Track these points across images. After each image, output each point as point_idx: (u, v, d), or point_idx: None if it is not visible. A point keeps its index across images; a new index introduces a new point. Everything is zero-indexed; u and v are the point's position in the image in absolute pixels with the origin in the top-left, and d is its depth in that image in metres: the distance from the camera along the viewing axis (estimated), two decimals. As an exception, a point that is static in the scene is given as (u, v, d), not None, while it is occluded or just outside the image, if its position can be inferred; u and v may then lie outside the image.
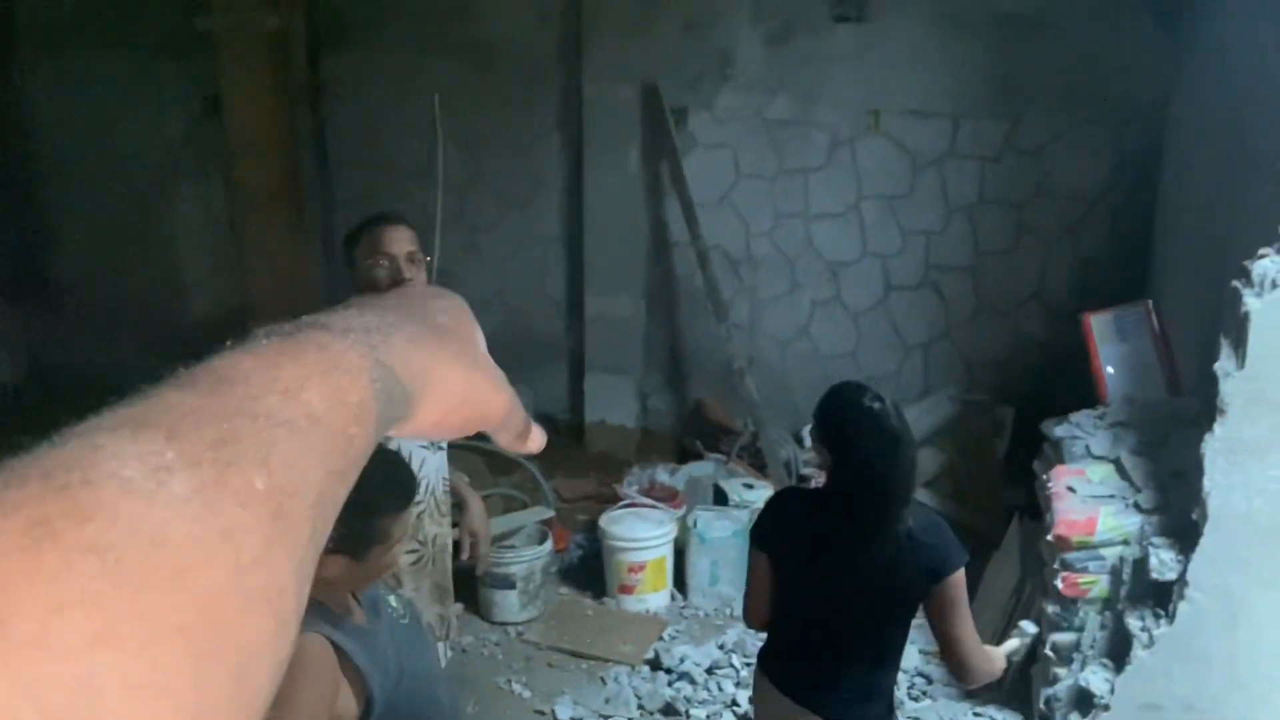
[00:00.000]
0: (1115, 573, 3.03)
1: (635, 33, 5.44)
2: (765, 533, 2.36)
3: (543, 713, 3.68)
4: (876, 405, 2.15)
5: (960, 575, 2.17)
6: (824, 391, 2.30)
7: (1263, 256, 2.52)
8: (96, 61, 6.45)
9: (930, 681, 3.77)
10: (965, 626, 2.18)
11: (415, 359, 0.45)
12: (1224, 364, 2.58)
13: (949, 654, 2.20)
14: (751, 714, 2.54)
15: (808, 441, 5.46)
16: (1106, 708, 2.87)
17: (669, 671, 3.86)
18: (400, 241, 2.43)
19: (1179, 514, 2.88)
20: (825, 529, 2.21)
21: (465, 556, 2.80)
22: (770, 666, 2.38)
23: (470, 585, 4.26)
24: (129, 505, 0.29)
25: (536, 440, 0.58)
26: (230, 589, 0.30)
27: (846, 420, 2.16)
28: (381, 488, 1.70)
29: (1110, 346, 3.94)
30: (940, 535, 2.20)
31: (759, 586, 2.35)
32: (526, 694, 3.79)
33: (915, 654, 3.79)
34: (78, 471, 0.29)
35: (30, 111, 6.80)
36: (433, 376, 0.46)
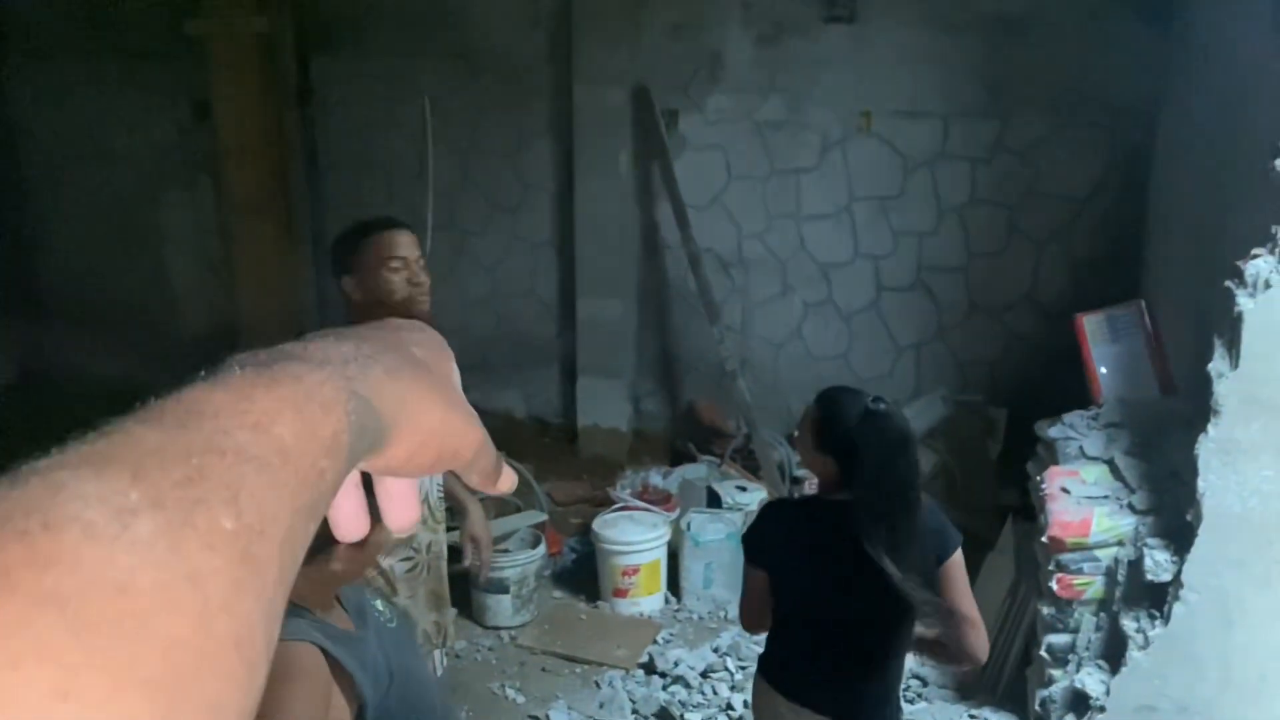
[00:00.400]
0: (1110, 574, 3.03)
1: (625, 35, 5.43)
2: (760, 547, 2.32)
3: (536, 718, 3.67)
4: (882, 407, 2.13)
5: (960, 553, 2.18)
6: (816, 398, 2.26)
7: (1256, 257, 2.52)
8: (84, 67, 6.43)
9: (925, 684, 3.77)
10: (970, 600, 2.19)
11: (392, 391, 0.44)
12: (1217, 364, 2.58)
13: (957, 627, 2.17)
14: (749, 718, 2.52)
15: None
16: (1102, 709, 2.86)
17: (663, 675, 3.85)
18: (410, 245, 2.41)
19: (1173, 515, 2.88)
20: (831, 539, 2.16)
21: (468, 562, 2.79)
22: (775, 674, 2.33)
23: (464, 590, 4.24)
24: (91, 551, 0.28)
25: (506, 482, 0.56)
26: (197, 635, 0.29)
27: (855, 426, 2.11)
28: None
29: (1103, 347, 3.94)
30: (938, 519, 2.19)
31: (756, 599, 2.32)
32: (520, 699, 3.77)
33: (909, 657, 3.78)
34: (38, 515, 0.28)
35: (18, 117, 6.77)
36: (409, 410, 0.45)
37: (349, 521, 0.49)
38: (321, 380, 0.40)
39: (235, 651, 0.30)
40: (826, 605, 2.22)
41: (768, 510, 2.44)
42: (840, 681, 2.24)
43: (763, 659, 2.41)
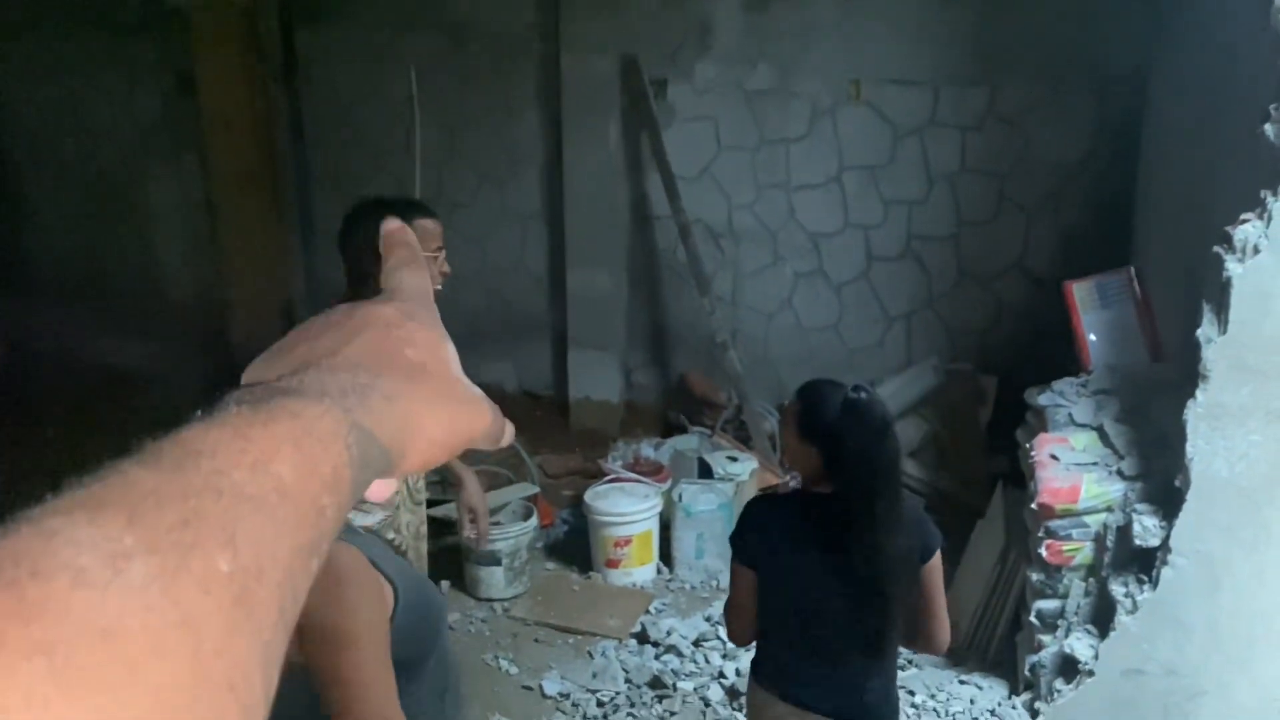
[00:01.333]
0: (1099, 540, 3.05)
1: (612, 3, 5.38)
2: (747, 545, 2.28)
3: (530, 688, 3.69)
4: (863, 396, 2.13)
5: (939, 555, 2.20)
6: (797, 391, 2.25)
7: (1244, 222, 2.52)
8: (66, 41, 6.35)
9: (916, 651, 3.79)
10: (943, 600, 2.22)
11: (394, 414, 0.45)
12: (1206, 330, 2.58)
13: (929, 624, 2.21)
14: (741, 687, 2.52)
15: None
16: (1090, 673, 2.89)
17: (656, 645, 3.87)
18: (440, 235, 2.40)
19: (1162, 480, 2.89)
20: (820, 532, 2.15)
21: (466, 532, 2.82)
22: (770, 678, 2.30)
23: (456, 562, 4.26)
24: (81, 598, 0.28)
25: (508, 434, 0.57)
26: (189, 681, 0.29)
27: (837, 417, 2.11)
28: None
29: (1092, 314, 3.94)
30: (919, 516, 2.22)
31: (745, 601, 2.28)
32: (514, 670, 3.79)
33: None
34: (27, 564, 0.28)
35: (1, 93, 6.69)
36: (413, 428, 0.46)
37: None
38: (319, 414, 0.40)
39: (230, 695, 0.30)
40: (818, 601, 2.20)
41: (752, 507, 2.40)
42: (842, 679, 2.23)
43: (756, 664, 2.37)
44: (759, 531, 2.28)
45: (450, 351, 0.53)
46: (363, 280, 2.35)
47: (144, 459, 0.35)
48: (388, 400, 0.44)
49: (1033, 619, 3.22)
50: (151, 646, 0.28)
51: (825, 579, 2.17)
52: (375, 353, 0.48)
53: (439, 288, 2.38)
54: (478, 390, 0.52)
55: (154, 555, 0.30)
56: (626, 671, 3.73)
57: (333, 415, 0.40)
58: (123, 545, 0.30)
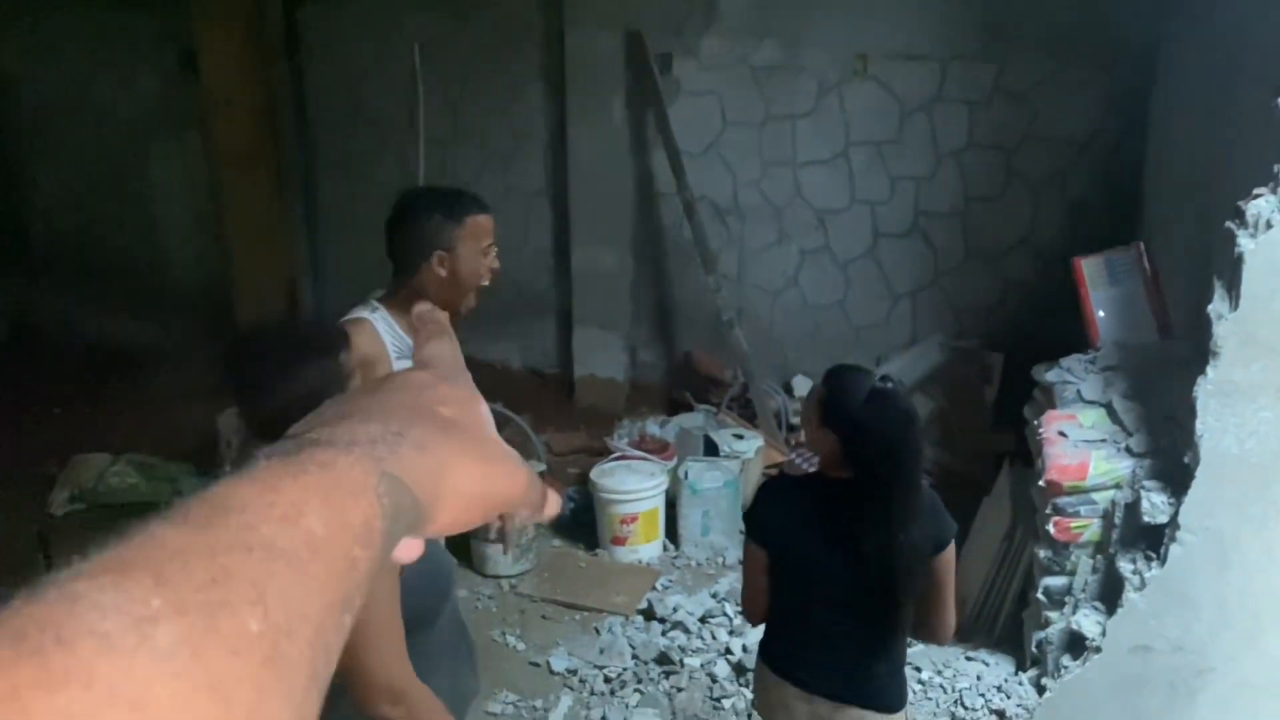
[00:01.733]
0: (1107, 516, 3.04)
1: (617, -22, 5.33)
2: (762, 526, 2.28)
3: (537, 664, 3.70)
4: (889, 386, 2.13)
5: (952, 546, 2.20)
6: (823, 376, 2.24)
7: (1257, 196, 2.49)
8: (69, 17, 6.31)
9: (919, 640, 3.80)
10: (951, 592, 2.22)
11: (425, 465, 0.44)
12: (1217, 305, 2.56)
13: (934, 616, 2.22)
14: (755, 704, 2.51)
15: (799, 391, 5.46)
16: (1097, 650, 2.89)
17: (662, 621, 3.88)
18: (492, 230, 2.37)
19: (1171, 457, 2.88)
20: (834, 516, 2.16)
21: (493, 535, 2.78)
22: (776, 658, 2.32)
23: (463, 539, 4.26)
24: (107, 665, 0.27)
25: (553, 505, 0.56)
26: None
27: (861, 405, 2.10)
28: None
29: (1101, 290, 3.92)
30: (936, 506, 2.20)
31: (756, 579, 2.29)
32: (521, 646, 3.80)
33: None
34: (51, 630, 0.27)
35: (3, 71, 6.66)
36: (446, 479, 0.45)
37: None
38: (350, 465, 0.39)
39: None
40: (826, 585, 2.20)
41: (767, 486, 2.42)
42: (846, 664, 2.23)
43: (765, 647, 2.38)
44: (772, 511, 2.28)
45: (485, 413, 0.53)
46: (409, 270, 2.31)
47: (171, 517, 0.34)
48: (419, 450, 0.44)
49: (1040, 596, 3.22)
50: (179, 714, 0.28)
51: (835, 563, 2.17)
52: (409, 407, 0.48)
53: (486, 284, 2.37)
54: (515, 454, 0.52)
55: (181, 617, 0.30)
56: (633, 647, 3.75)
57: (363, 465, 0.40)
58: (149, 609, 0.29)
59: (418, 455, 0.43)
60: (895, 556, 2.09)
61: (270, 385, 1.65)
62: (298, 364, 1.66)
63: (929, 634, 2.28)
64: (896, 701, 2.29)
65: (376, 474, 0.40)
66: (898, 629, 2.22)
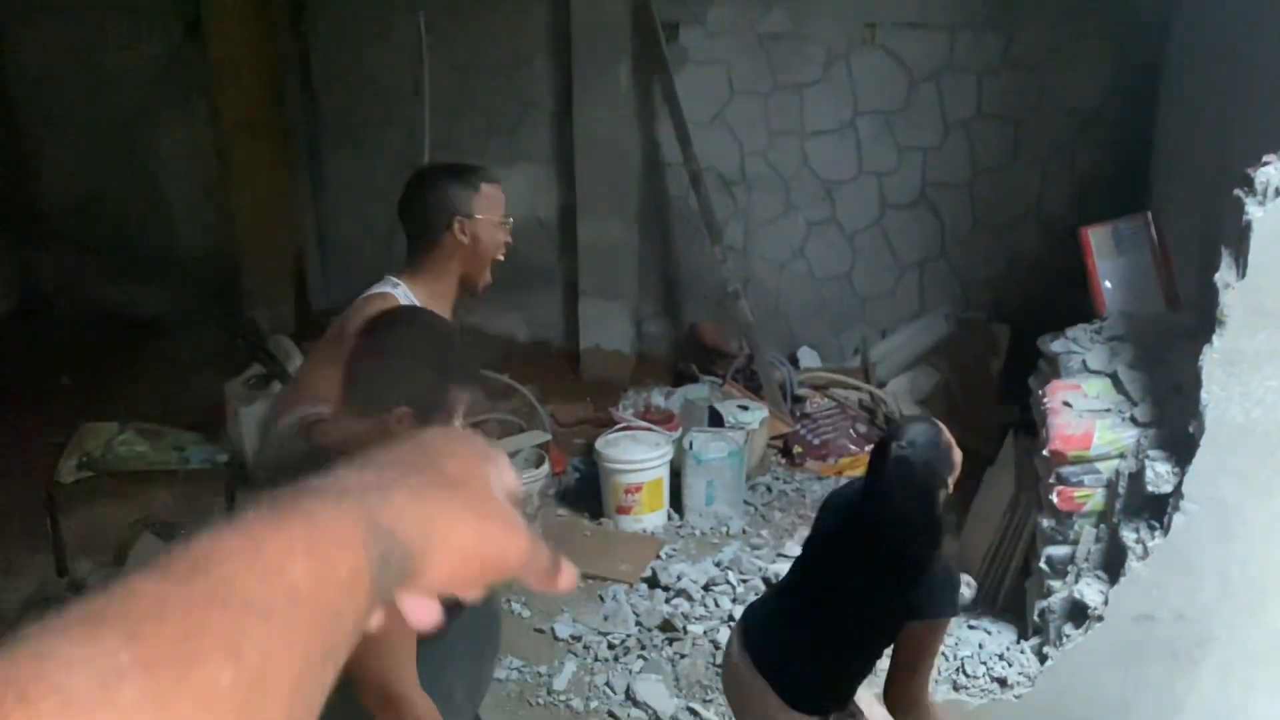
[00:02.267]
0: (1110, 486, 3.04)
1: (624, -55, 5.28)
2: (821, 508, 2.48)
3: (542, 630, 3.73)
4: (907, 454, 2.15)
5: (942, 625, 2.21)
6: (891, 430, 2.36)
7: (1266, 164, 2.47)
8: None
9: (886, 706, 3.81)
10: (926, 670, 2.23)
11: (417, 515, 0.43)
12: (1224, 274, 2.55)
13: (894, 684, 2.23)
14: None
15: (805, 363, 5.46)
16: (1100, 618, 2.90)
17: (666, 589, 3.90)
18: (503, 202, 2.37)
19: (1175, 427, 2.88)
20: (851, 523, 2.28)
21: None
22: (749, 623, 2.44)
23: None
24: None
25: (567, 578, 0.55)
26: None
27: (884, 463, 2.18)
28: (460, 362, 1.70)
29: (1108, 260, 3.90)
30: (937, 584, 2.19)
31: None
32: (526, 613, 3.83)
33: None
34: (15, 688, 0.27)
35: (7, 38, 6.63)
36: (439, 531, 0.44)
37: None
38: (337, 515, 0.39)
39: None
40: (822, 582, 2.32)
41: (841, 487, 2.63)
42: (788, 641, 2.32)
43: (749, 607, 2.55)
44: (828, 502, 2.48)
45: (492, 474, 0.52)
46: (430, 240, 2.30)
47: (153, 570, 0.34)
48: (413, 497, 0.44)
49: (1043, 565, 3.22)
50: None
51: (828, 564, 2.32)
52: (411, 458, 0.48)
53: (500, 258, 2.36)
54: (519, 519, 0.51)
55: (149, 672, 0.29)
56: (637, 615, 3.77)
57: (351, 515, 0.40)
58: (116, 663, 0.29)
59: (410, 502, 0.43)
60: (871, 588, 2.20)
61: (389, 383, 1.60)
62: (428, 379, 1.62)
63: (889, 702, 2.28)
64: (805, 704, 2.31)
65: (365, 523, 0.40)
66: (842, 653, 2.30)
